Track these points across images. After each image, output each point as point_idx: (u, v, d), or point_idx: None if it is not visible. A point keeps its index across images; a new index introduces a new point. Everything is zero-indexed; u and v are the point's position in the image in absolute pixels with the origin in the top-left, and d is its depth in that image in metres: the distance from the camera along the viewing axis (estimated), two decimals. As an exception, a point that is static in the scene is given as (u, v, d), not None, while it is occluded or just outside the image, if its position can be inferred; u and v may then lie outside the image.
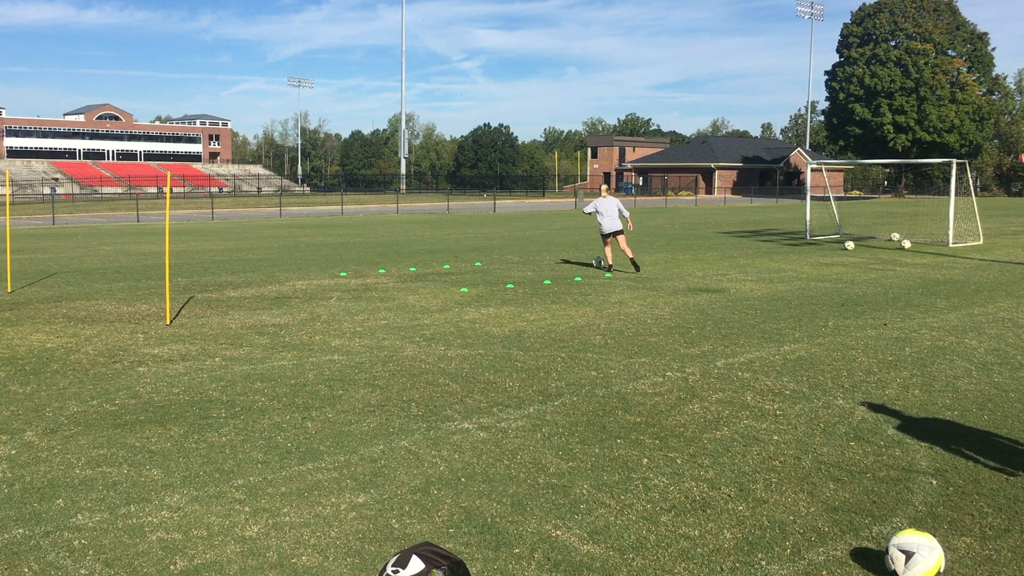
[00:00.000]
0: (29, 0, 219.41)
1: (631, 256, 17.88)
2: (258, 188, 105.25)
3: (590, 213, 18.34)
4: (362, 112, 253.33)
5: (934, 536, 4.45)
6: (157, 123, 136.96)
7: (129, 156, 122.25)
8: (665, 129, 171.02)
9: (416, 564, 3.22)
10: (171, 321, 11.49)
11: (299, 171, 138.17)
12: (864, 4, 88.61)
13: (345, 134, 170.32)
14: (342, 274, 17.17)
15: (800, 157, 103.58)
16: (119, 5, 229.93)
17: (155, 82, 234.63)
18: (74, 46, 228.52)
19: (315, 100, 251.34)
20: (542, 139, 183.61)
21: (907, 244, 24.50)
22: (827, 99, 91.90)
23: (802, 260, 20.29)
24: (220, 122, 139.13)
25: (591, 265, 19.28)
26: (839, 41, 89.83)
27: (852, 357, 9.25)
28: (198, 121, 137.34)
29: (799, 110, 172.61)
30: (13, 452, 6.17)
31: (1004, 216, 44.83)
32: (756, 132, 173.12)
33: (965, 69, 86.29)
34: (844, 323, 11.38)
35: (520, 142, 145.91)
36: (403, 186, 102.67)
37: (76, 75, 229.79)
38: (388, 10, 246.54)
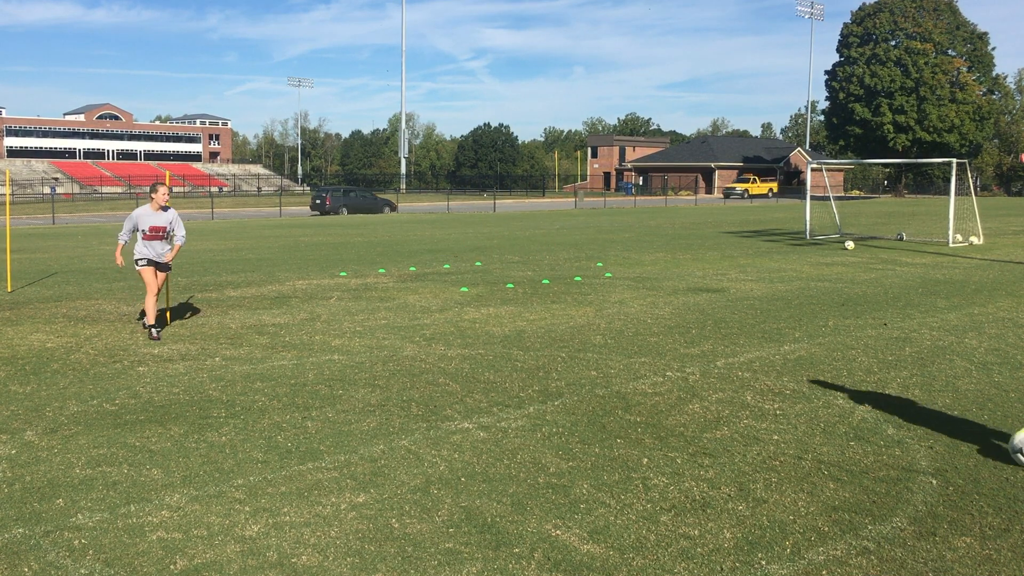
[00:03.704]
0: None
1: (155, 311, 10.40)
2: (258, 188, 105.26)
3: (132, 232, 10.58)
4: (368, 111, 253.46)
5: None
6: (157, 123, 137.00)
7: (129, 156, 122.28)
8: (665, 129, 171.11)
9: None
10: (171, 321, 11.48)
11: (299, 171, 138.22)
12: (864, 4, 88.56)
13: (345, 134, 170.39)
14: (342, 274, 17.17)
15: (800, 157, 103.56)
16: (127, 4, 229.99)
17: (159, 82, 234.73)
18: (80, 45, 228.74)
19: (320, 100, 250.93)
20: (542, 139, 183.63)
21: (903, 236, 24.82)
22: (827, 99, 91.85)
23: (802, 260, 20.29)
24: (220, 122, 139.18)
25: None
26: (839, 41, 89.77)
27: (852, 357, 9.25)
28: (198, 121, 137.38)
29: (799, 110, 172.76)
30: (13, 452, 6.17)
31: (1004, 216, 44.82)
32: (756, 132, 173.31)
33: (965, 69, 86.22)
34: (844, 323, 11.38)
35: (520, 142, 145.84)
36: (403, 186, 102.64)
37: (81, 74, 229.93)
38: (397, 9, 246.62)
